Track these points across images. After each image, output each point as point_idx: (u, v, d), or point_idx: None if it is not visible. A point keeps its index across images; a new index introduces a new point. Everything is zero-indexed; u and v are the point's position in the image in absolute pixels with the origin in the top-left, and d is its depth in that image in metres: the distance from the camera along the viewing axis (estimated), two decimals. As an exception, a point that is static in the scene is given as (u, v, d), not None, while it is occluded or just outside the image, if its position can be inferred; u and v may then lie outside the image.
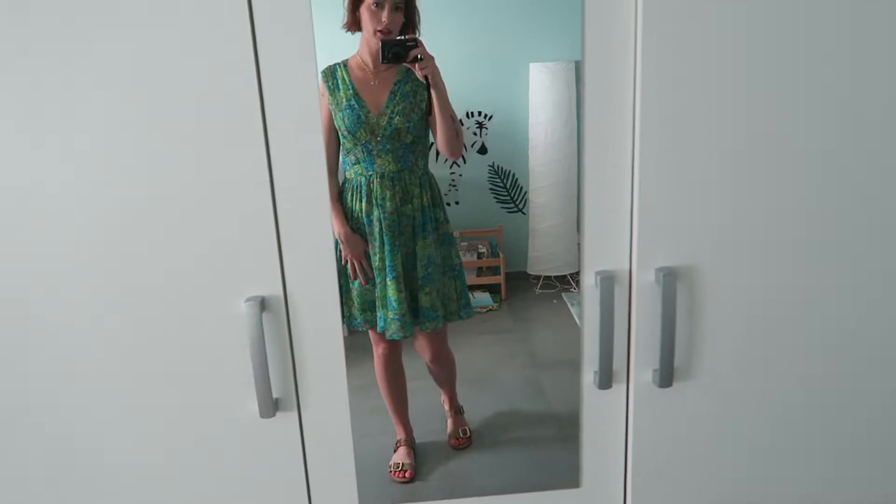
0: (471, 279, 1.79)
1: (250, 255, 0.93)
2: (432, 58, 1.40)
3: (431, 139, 1.54)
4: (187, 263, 0.93)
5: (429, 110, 1.49)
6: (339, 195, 1.58)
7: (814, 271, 0.99)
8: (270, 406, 0.96)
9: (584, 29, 0.89)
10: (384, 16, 1.42)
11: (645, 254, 0.96)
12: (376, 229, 1.54)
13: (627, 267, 0.98)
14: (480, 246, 1.83)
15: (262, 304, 0.94)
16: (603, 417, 1.04)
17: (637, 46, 0.88)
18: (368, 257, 1.53)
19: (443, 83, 1.45)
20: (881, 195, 0.96)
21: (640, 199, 0.94)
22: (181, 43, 0.85)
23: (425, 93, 1.47)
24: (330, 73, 1.53)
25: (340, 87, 1.52)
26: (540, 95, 1.69)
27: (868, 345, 1.03)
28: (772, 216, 0.96)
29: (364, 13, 1.45)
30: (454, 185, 1.68)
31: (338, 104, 1.52)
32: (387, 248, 1.55)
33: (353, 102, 1.51)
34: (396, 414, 1.70)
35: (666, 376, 0.98)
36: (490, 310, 1.83)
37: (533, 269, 1.84)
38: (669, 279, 0.94)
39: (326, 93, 1.52)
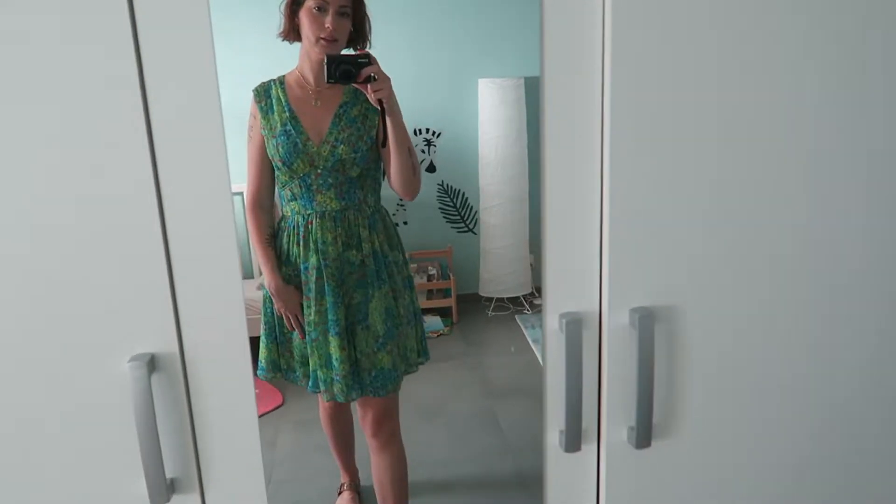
0: (421, 302, 1.62)
1: (135, 304, 0.72)
2: (388, 79, 1.13)
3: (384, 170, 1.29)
4: (58, 316, 0.71)
5: (384, 141, 1.22)
6: (274, 237, 1.31)
7: (809, 311, 0.84)
8: (163, 489, 0.74)
9: (543, 42, 0.73)
10: (327, 21, 1.15)
11: (617, 292, 0.79)
12: (312, 278, 1.24)
13: (597, 308, 0.80)
14: (430, 268, 1.66)
15: (152, 364, 0.72)
16: (571, 484, 0.85)
17: (605, 61, 0.73)
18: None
19: (399, 109, 1.17)
20: (870, 226, 0.83)
21: (612, 231, 0.77)
22: (42, 43, 0.64)
23: (376, 118, 1.20)
24: (263, 92, 1.23)
25: (275, 108, 1.21)
26: (489, 112, 1.53)
27: (876, 396, 0.88)
28: (760, 249, 0.80)
29: (304, 18, 1.16)
30: (402, 206, 1.50)
31: (271, 129, 1.21)
32: (328, 300, 1.25)
33: (288, 127, 1.20)
34: (341, 457, 1.47)
35: (644, 435, 0.81)
36: (441, 334, 1.66)
37: (485, 291, 1.69)
38: (646, 321, 0.77)
39: (259, 115, 1.24)
